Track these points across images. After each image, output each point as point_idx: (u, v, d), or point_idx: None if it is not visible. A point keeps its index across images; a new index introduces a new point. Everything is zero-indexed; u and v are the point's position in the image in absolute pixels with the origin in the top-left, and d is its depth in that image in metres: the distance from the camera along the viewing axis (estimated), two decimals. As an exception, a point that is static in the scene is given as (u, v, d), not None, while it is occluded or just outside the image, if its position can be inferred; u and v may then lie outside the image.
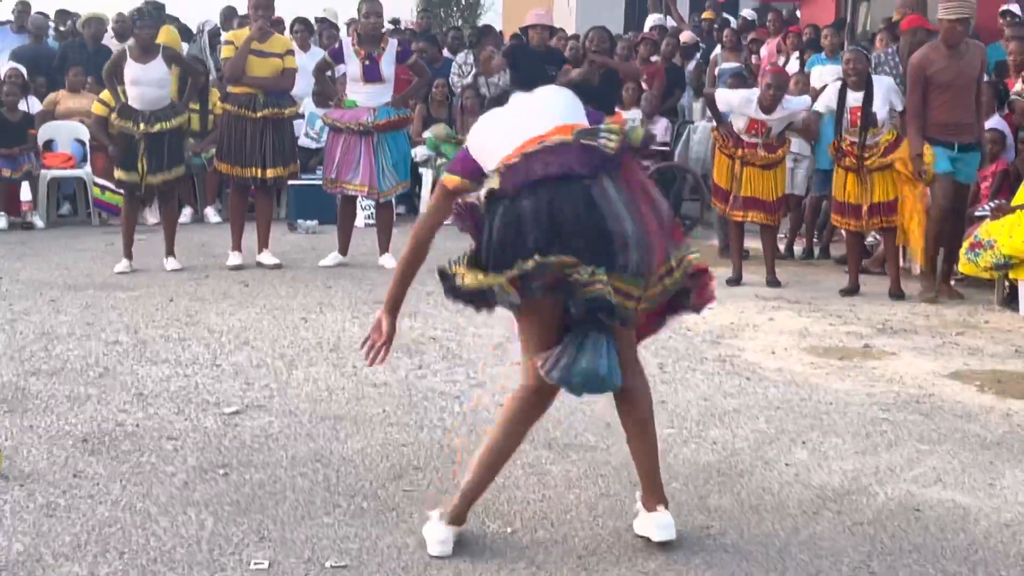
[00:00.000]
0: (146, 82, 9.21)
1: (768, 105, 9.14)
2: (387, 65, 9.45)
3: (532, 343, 4.04)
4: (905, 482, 4.85)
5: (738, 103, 9.30)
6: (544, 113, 4.07)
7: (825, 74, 11.54)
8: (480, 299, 4.00)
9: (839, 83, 9.13)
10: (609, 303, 3.79)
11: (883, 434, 5.48)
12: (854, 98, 8.88)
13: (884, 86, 8.95)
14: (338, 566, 3.89)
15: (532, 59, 10.60)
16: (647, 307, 4.05)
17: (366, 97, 9.44)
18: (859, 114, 8.81)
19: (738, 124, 9.27)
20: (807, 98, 9.54)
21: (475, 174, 4.12)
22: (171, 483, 4.62)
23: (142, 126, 9.15)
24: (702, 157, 11.97)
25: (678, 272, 4.10)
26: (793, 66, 12.68)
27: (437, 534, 4.04)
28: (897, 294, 8.84)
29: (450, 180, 4.15)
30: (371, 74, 9.42)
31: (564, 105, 4.13)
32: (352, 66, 9.49)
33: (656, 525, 4.12)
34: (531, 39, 10.93)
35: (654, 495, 4.19)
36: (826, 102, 9.13)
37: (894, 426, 5.61)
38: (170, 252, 9.49)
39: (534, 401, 4.11)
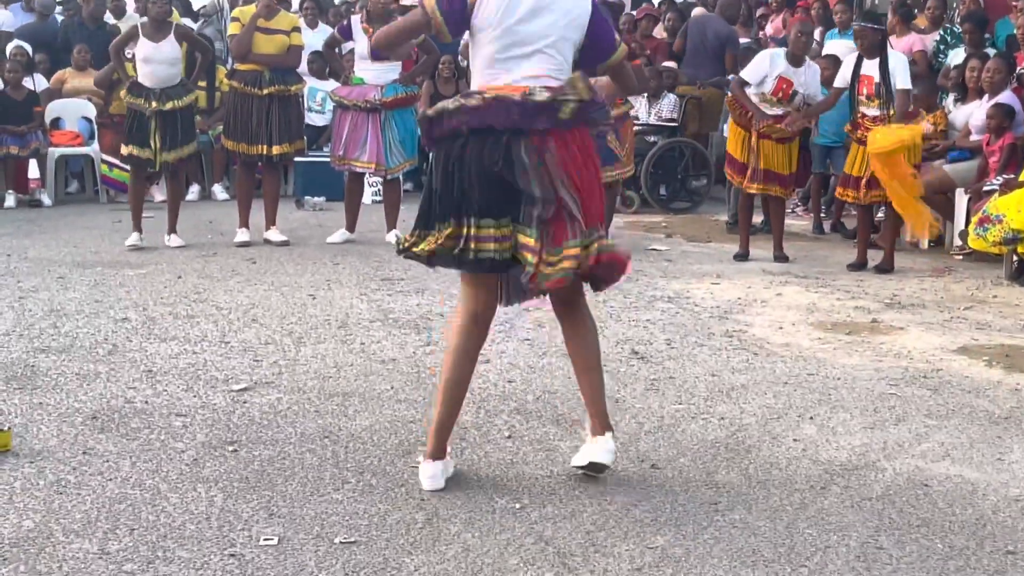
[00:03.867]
0: (158, 60, 9.19)
1: (799, 54, 9.11)
2: None
3: (469, 283, 4.40)
4: (913, 457, 4.85)
5: (759, 64, 9.25)
6: (527, 47, 4.25)
7: (838, 48, 11.50)
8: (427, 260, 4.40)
9: (855, 55, 9.09)
10: (498, 260, 4.23)
11: (891, 409, 5.48)
12: (868, 66, 8.84)
13: (896, 59, 8.91)
14: (347, 542, 3.90)
15: None
16: (553, 272, 4.25)
17: (374, 75, 9.42)
18: (874, 84, 8.77)
19: (766, 88, 9.16)
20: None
21: (455, 14, 4.29)
22: (180, 460, 4.64)
23: (154, 103, 9.14)
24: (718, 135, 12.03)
25: (583, 258, 4.30)
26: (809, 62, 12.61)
27: (425, 471, 4.37)
28: (885, 268, 8.85)
29: (428, 2, 4.30)
30: (378, 52, 9.39)
31: (562, 31, 4.30)
32: (360, 44, 9.46)
33: (603, 449, 4.43)
34: None
35: (601, 422, 4.48)
36: (844, 76, 9.08)
37: (902, 401, 5.61)
38: (173, 229, 9.49)
39: (473, 328, 4.41)
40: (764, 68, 9.22)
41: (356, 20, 9.62)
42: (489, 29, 4.26)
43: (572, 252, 4.24)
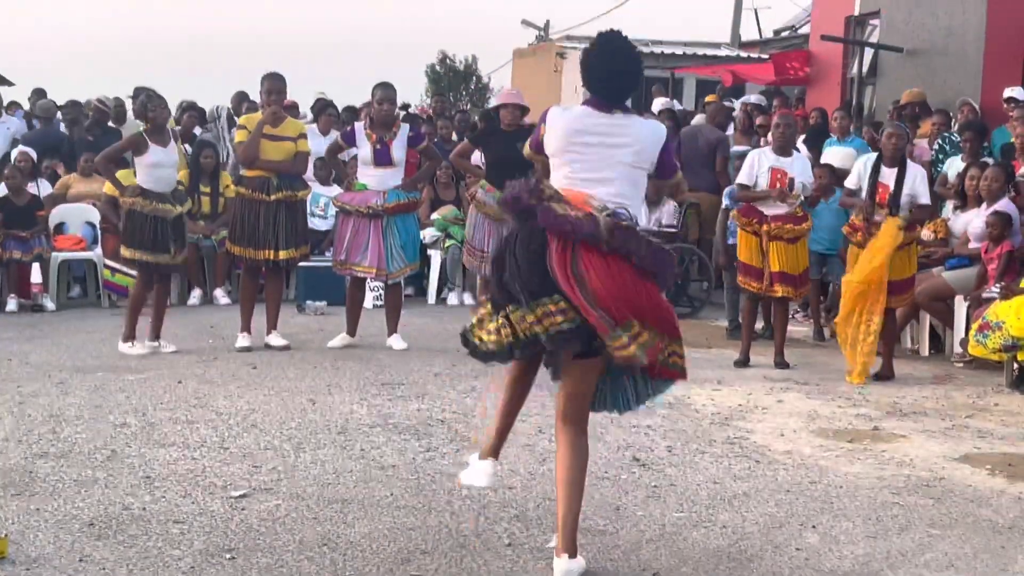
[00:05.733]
0: (167, 164, 9.24)
1: (782, 145, 9.22)
2: (398, 149, 9.51)
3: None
4: (916, 567, 4.81)
5: (748, 164, 9.41)
6: (597, 173, 4.63)
7: (834, 157, 11.61)
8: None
9: (872, 157, 9.14)
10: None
11: (894, 518, 5.45)
12: (886, 174, 8.91)
13: (915, 172, 8.96)
14: (345, 652, 3.86)
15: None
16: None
17: (376, 181, 9.49)
18: (888, 193, 8.80)
19: (762, 183, 9.24)
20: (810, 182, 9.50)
21: (539, 146, 4.80)
22: (177, 568, 4.60)
23: (177, 208, 9.22)
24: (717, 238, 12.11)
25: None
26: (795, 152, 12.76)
27: (484, 467, 4.87)
28: (886, 376, 8.84)
29: (526, 149, 4.92)
30: (381, 158, 9.48)
31: (632, 159, 4.67)
32: (363, 149, 9.54)
33: (561, 569, 4.53)
34: (502, 118, 10.42)
35: (566, 544, 4.55)
36: (858, 175, 9.10)
37: (905, 510, 5.58)
38: (158, 335, 9.46)
39: (515, 385, 4.88)
40: (753, 166, 9.36)
41: (359, 127, 9.70)
42: (559, 155, 4.68)
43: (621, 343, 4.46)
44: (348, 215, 9.57)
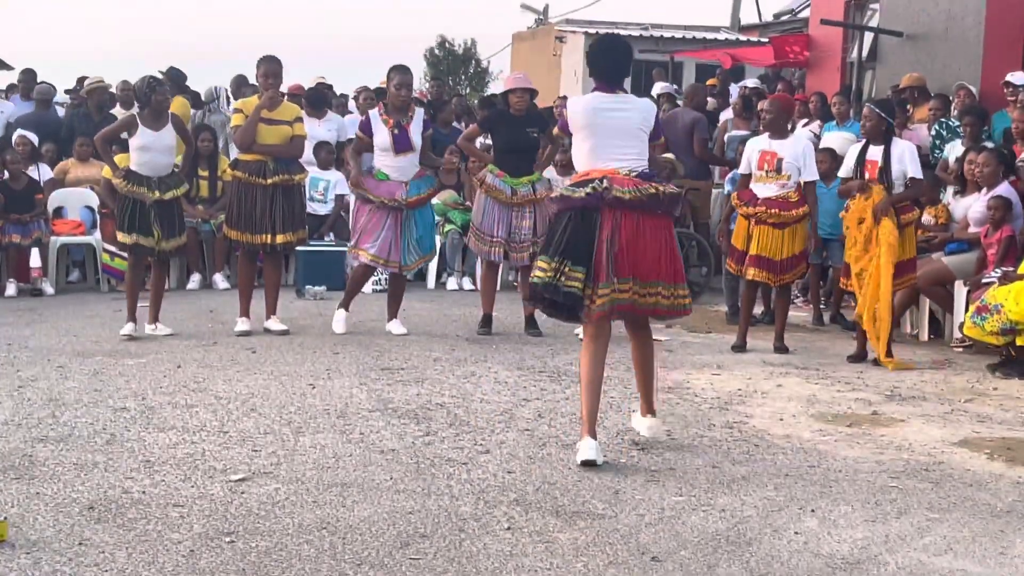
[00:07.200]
0: (157, 149, 9.21)
1: (770, 128, 9.32)
2: (416, 133, 9.46)
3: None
4: (915, 551, 4.81)
5: (745, 151, 9.58)
6: (616, 140, 5.97)
7: (834, 140, 11.59)
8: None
9: (860, 144, 9.15)
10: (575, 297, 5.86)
11: (892, 502, 5.45)
12: (873, 152, 8.90)
13: (903, 147, 8.93)
14: (344, 635, 3.86)
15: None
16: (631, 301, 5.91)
17: (398, 171, 9.41)
18: (877, 169, 8.78)
19: (754, 166, 9.32)
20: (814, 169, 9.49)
21: (566, 127, 6.15)
22: (177, 551, 4.60)
23: (156, 193, 9.16)
24: (715, 221, 12.13)
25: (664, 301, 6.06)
26: (799, 133, 12.74)
27: (585, 444, 5.86)
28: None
29: (557, 131, 6.61)
30: (401, 143, 9.39)
31: (638, 124, 6.04)
32: (381, 136, 9.45)
33: (644, 425, 6.32)
34: (512, 104, 9.89)
35: (646, 406, 6.32)
36: (848, 166, 9.12)
37: (903, 494, 5.58)
38: (156, 318, 9.47)
39: (591, 342, 5.95)
40: (747, 152, 9.50)
41: (374, 114, 9.60)
42: (583, 131, 5.99)
43: (605, 291, 5.79)
44: (368, 202, 9.50)
